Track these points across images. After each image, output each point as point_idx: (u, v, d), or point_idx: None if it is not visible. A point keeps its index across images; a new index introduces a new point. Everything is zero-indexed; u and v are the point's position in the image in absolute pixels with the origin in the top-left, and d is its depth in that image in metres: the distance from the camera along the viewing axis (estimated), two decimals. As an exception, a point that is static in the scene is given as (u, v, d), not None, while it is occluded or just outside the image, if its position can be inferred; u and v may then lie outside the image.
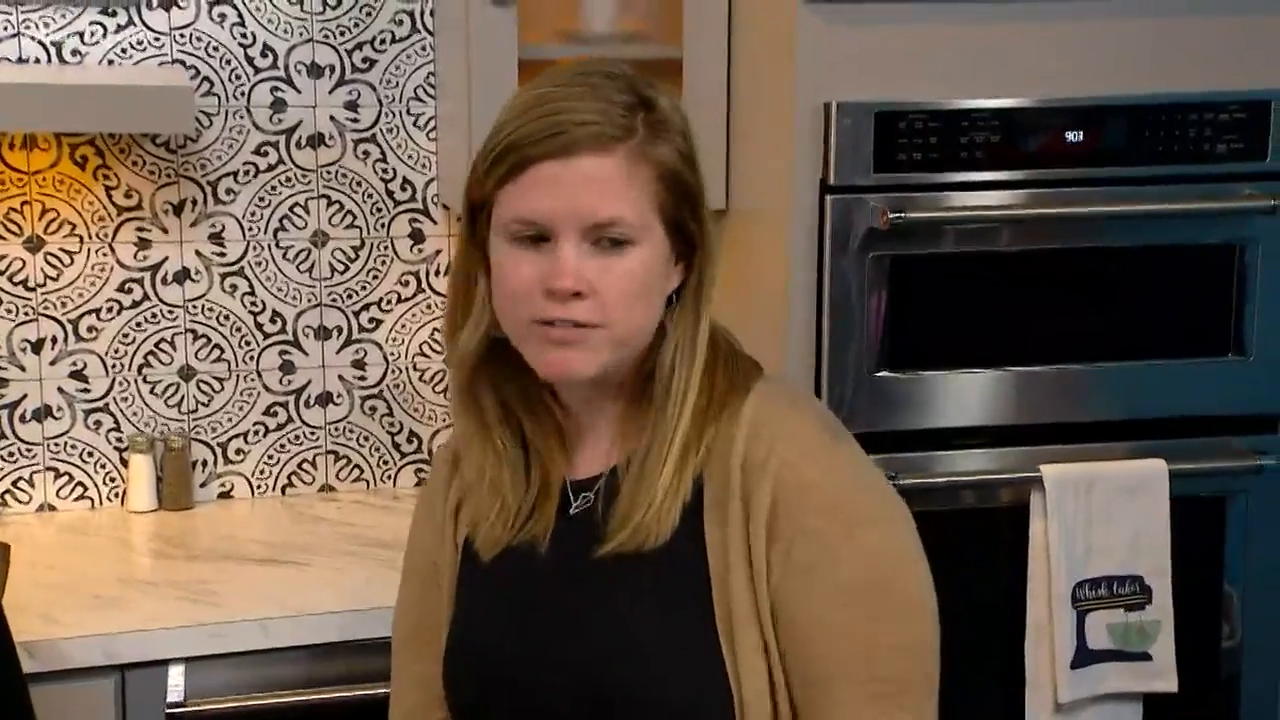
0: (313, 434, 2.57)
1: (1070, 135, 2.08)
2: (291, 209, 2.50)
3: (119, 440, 2.48)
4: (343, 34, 2.48)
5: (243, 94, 2.45)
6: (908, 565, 1.30)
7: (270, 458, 2.56)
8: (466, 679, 1.41)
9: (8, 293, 2.40)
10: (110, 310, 2.45)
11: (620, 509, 1.31)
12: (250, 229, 2.48)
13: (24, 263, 2.40)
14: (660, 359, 1.32)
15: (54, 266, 2.41)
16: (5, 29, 2.34)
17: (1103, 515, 2.10)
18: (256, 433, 2.54)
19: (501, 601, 1.40)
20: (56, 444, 2.46)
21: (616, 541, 1.30)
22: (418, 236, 2.56)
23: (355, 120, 2.50)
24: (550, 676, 1.34)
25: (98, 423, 2.47)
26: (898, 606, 1.28)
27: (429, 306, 2.58)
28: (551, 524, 1.37)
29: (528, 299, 1.27)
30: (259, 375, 2.53)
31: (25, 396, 2.43)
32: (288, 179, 2.49)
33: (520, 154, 1.25)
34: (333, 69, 2.48)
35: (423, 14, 2.50)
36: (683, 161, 1.29)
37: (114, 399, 2.47)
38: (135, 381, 2.47)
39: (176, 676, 1.96)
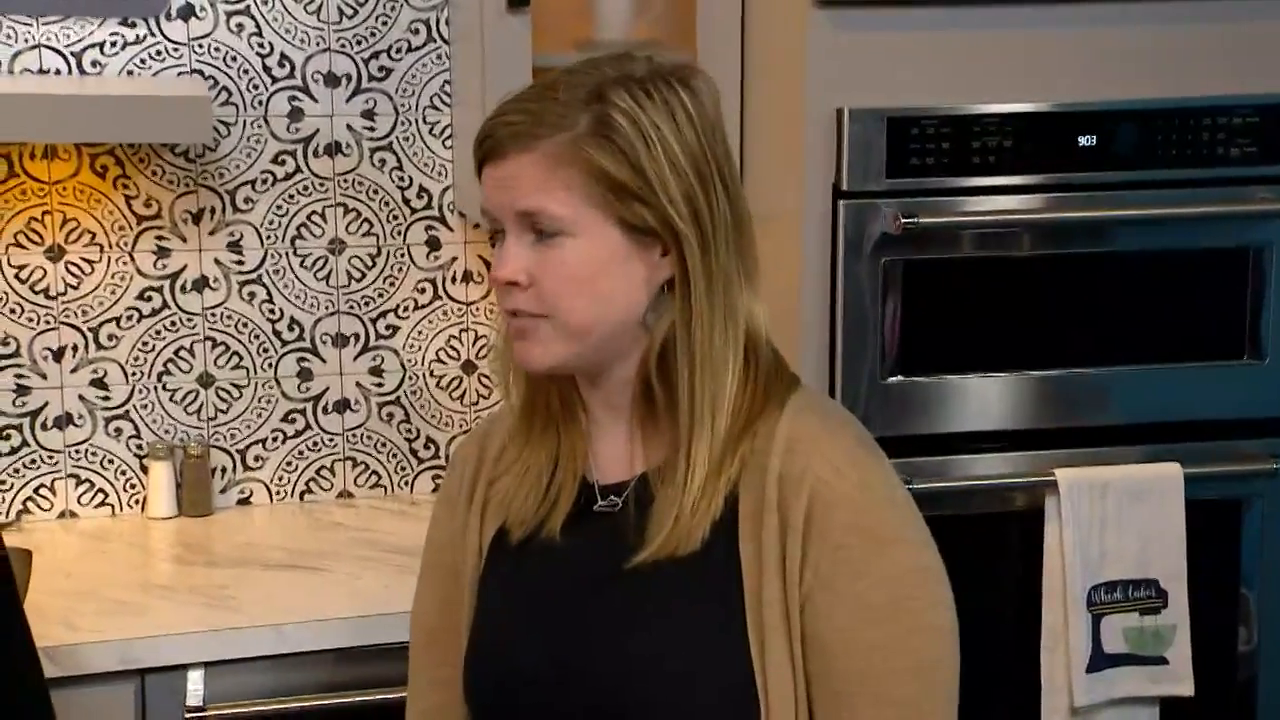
0: (331, 440, 2.59)
1: (1083, 140, 2.09)
2: (309, 217, 2.52)
3: (139, 447, 2.50)
4: (359, 43, 2.50)
5: (260, 103, 2.47)
6: (932, 586, 1.30)
7: (289, 464, 2.57)
8: (487, 683, 1.41)
9: (29, 301, 2.42)
10: (130, 318, 2.47)
11: (654, 518, 1.31)
12: (268, 237, 2.50)
13: (45, 271, 2.42)
14: (649, 346, 1.31)
15: (74, 275, 2.43)
16: (26, 40, 2.36)
17: (1117, 519, 2.10)
18: (275, 439, 2.56)
19: (524, 606, 1.40)
20: (77, 451, 2.48)
21: (650, 551, 1.30)
22: (434, 244, 2.57)
23: (372, 129, 2.52)
24: (573, 684, 1.34)
25: (118, 430, 2.49)
26: (920, 626, 1.28)
27: (445, 313, 2.59)
28: (564, 516, 1.37)
29: (497, 292, 1.33)
30: (277, 382, 2.55)
31: (46, 404, 2.45)
32: (305, 188, 2.51)
33: (474, 157, 1.33)
34: (349, 78, 2.50)
35: (438, 23, 2.51)
36: (622, 162, 1.26)
37: (134, 406, 2.49)
38: (155, 389, 2.49)
39: (195, 681, 1.97)
